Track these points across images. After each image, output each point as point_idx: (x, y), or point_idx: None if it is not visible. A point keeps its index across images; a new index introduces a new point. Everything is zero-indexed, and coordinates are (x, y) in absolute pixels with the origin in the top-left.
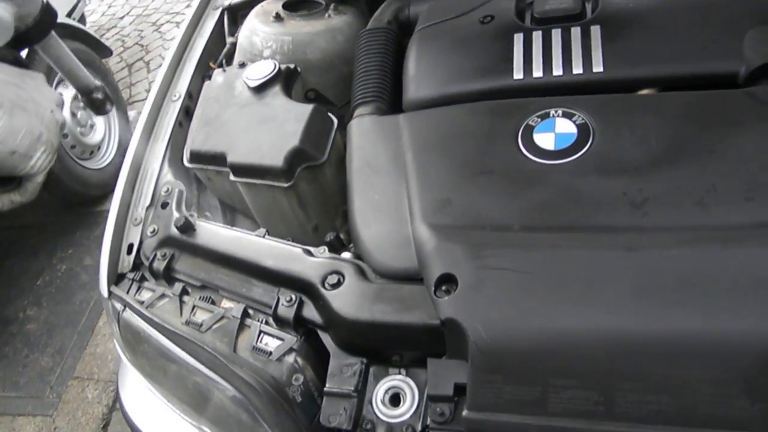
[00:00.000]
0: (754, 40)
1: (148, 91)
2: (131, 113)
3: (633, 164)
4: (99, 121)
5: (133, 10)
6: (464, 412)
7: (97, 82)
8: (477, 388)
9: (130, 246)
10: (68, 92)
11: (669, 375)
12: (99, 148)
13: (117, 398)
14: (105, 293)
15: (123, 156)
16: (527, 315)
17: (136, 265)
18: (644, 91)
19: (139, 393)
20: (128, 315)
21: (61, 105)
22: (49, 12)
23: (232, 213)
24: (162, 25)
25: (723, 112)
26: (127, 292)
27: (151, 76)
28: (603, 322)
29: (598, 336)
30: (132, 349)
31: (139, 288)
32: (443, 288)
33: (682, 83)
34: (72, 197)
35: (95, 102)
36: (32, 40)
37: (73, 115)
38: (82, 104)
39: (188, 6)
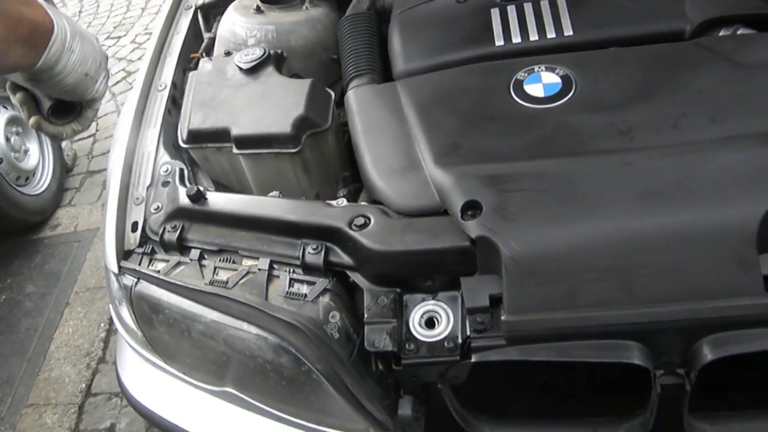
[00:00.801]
0: (693, 3)
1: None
2: (64, 143)
3: (614, 102)
4: (33, 146)
5: None
6: (503, 317)
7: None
8: (513, 293)
9: (135, 224)
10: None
11: (676, 259)
12: (34, 173)
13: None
14: (114, 269)
15: (59, 182)
16: (550, 223)
17: (143, 242)
18: (611, 49)
19: (147, 376)
20: (142, 287)
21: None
22: None
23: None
24: None
25: (680, 59)
26: (139, 266)
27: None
28: (616, 222)
29: (613, 234)
30: (148, 322)
31: (151, 260)
32: (469, 213)
33: (640, 41)
34: (9, 224)
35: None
36: None
37: (7, 140)
38: (14, 130)
39: (108, 38)
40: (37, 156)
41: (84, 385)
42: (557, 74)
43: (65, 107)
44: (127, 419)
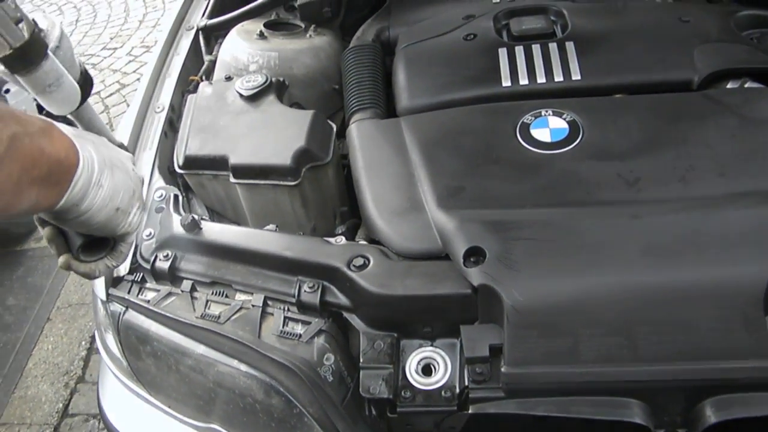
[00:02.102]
0: (702, 54)
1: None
2: None
3: (621, 151)
4: None
5: None
6: (503, 368)
7: (122, 143)
8: (514, 344)
9: None
10: None
11: (681, 317)
12: None
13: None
14: (102, 296)
15: None
16: (555, 274)
17: (134, 269)
18: (618, 96)
19: (128, 404)
20: (130, 316)
21: (134, 163)
22: (88, 76)
23: (221, 221)
24: None
25: (688, 110)
26: (128, 294)
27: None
28: (621, 277)
29: (618, 288)
30: (135, 352)
31: (140, 289)
32: (471, 260)
33: (648, 89)
34: None
35: None
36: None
37: None
38: None
39: (103, 48)
40: None
41: (61, 405)
42: (564, 119)
43: (97, 241)
44: None
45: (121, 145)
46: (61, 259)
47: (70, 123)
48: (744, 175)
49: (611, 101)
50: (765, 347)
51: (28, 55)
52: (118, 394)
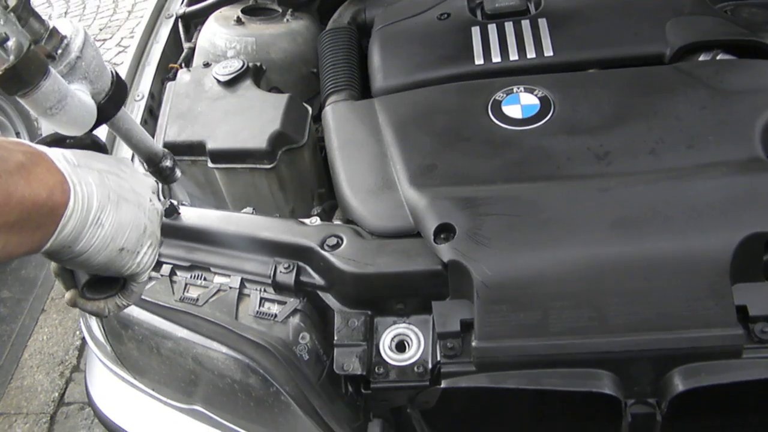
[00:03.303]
0: (674, 27)
1: None
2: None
3: (591, 126)
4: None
5: None
6: (474, 342)
7: (164, 149)
8: (484, 318)
9: None
10: None
11: (649, 288)
12: None
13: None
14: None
15: None
16: (524, 249)
17: None
18: (590, 71)
19: (115, 390)
20: None
21: (156, 192)
22: (120, 84)
23: (201, 207)
24: None
25: (659, 83)
26: None
27: None
28: (589, 249)
29: (586, 261)
30: (117, 337)
31: None
32: (442, 236)
33: (620, 63)
34: None
35: (164, 171)
36: (106, 118)
37: None
38: None
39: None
40: None
41: (57, 395)
42: (536, 95)
43: (106, 278)
44: (99, 430)
45: (165, 155)
46: (67, 296)
47: (94, 144)
48: (712, 146)
49: (583, 76)
50: (731, 316)
51: (21, 76)
52: (105, 380)
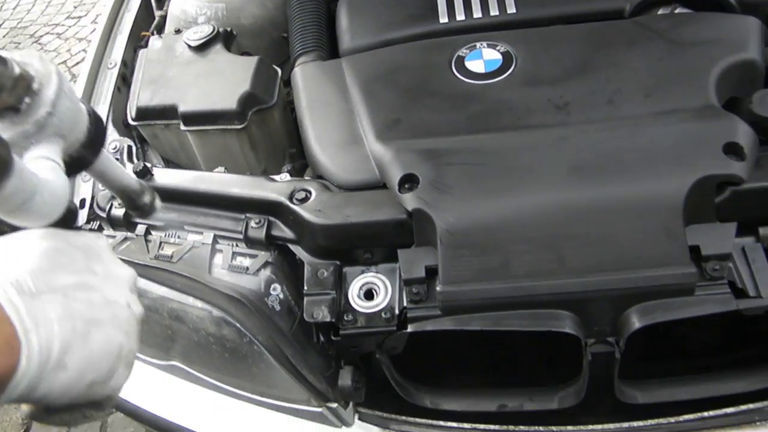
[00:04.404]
0: None
1: None
2: None
3: (552, 78)
4: None
5: (6, 22)
6: (438, 287)
7: (142, 182)
8: (448, 264)
9: (82, 201)
10: None
11: (606, 230)
12: None
13: None
14: None
15: None
16: (485, 196)
17: (91, 219)
18: (551, 27)
19: None
20: None
21: (135, 288)
22: (97, 124)
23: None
24: (41, 37)
25: (618, 36)
26: None
27: None
28: (548, 195)
29: (546, 206)
30: None
31: None
32: (406, 186)
33: (581, 19)
34: None
35: (143, 207)
36: (80, 169)
37: None
38: None
39: (68, 17)
40: None
41: None
42: (498, 51)
43: None
44: None
45: (144, 191)
46: (25, 408)
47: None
48: (668, 95)
49: (545, 32)
50: (684, 255)
51: None
52: None
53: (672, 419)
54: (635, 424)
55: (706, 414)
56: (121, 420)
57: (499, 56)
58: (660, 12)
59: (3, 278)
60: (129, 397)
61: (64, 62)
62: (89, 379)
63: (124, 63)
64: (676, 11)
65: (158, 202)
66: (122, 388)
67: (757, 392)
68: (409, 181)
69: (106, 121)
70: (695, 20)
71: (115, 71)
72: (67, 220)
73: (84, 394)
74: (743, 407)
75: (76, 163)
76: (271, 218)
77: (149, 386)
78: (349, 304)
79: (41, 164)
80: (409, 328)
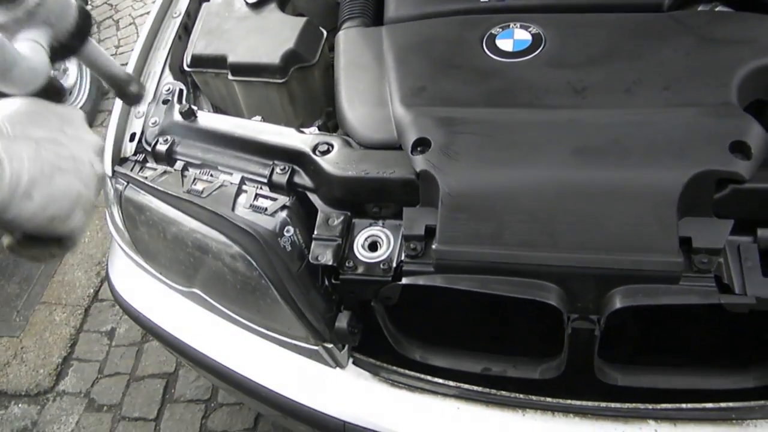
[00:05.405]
0: None
1: (117, 46)
2: None
3: (576, 63)
4: (72, 65)
5: None
6: (434, 245)
7: (129, 73)
8: (445, 225)
9: (132, 135)
10: None
11: (600, 211)
12: (71, 92)
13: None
14: (109, 172)
15: (94, 104)
16: (489, 165)
17: (138, 152)
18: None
19: (130, 273)
20: (130, 192)
21: (101, 152)
22: (84, 18)
23: None
24: None
25: (650, 29)
26: (131, 171)
27: (121, 34)
28: (548, 171)
29: (544, 181)
30: (132, 221)
31: (141, 168)
32: (418, 149)
33: (620, 9)
34: None
35: (130, 96)
36: (67, 55)
37: None
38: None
39: None
40: (75, 76)
41: (92, 291)
42: (529, 32)
43: None
44: (127, 325)
45: (131, 80)
46: (5, 242)
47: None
48: (688, 90)
49: (579, 18)
50: (672, 244)
51: None
52: (122, 264)
53: (650, 406)
54: (612, 405)
55: (683, 406)
56: (156, 348)
57: (529, 37)
58: (700, 9)
59: None
60: (158, 320)
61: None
62: (50, 213)
63: (187, 13)
64: (717, 9)
65: (143, 95)
66: (81, 231)
67: (738, 391)
68: (422, 145)
69: (164, 65)
70: (732, 19)
71: (178, 20)
72: (50, 95)
73: (47, 227)
74: (722, 404)
75: (64, 48)
76: (295, 167)
77: (172, 309)
78: (353, 252)
79: (25, 44)
80: (403, 281)
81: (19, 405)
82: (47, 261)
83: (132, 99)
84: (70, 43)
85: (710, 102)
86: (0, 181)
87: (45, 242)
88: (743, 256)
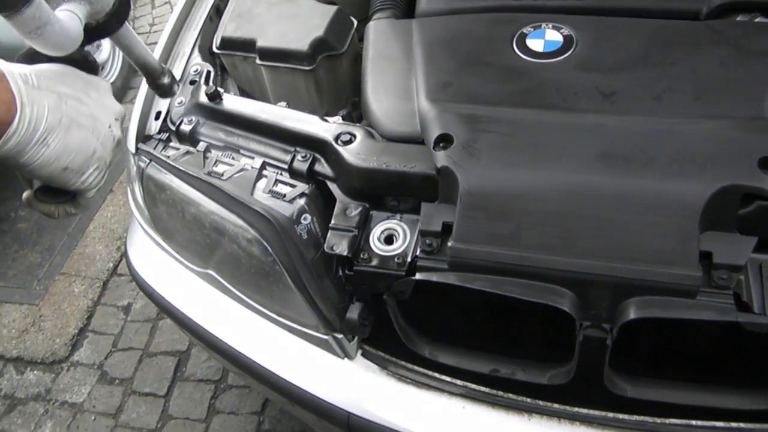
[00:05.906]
0: None
1: (151, 24)
2: None
3: (606, 67)
4: (105, 42)
5: None
6: (450, 243)
7: (163, 65)
8: (462, 223)
9: (158, 113)
10: None
11: (621, 219)
12: (103, 67)
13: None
14: (132, 149)
15: (125, 80)
16: (510, 165)
17: (162, 130)
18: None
19: (147, 250)
20: (152, 170)
21: (121, 118)
22: (123, 3)
23: None
24: None
25: (684, 37)
26: (153, 149)
27: (156, 12)
28: (570, 175)
29: (565, 185)
30: (152, 199)
31: (165, 147)
32: (441, 145)
33: (656, 15)
34: None
35: (161, 87)
36: (103, 35)
37: None
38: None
39: None
40: (108, 51)
41: (111, 265)
42: (561, 33)
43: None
44: (143, 302)
45: (164, 72)
46: (24, 195)
47: (85, 60)
48: (719, 101)
49: (613, 21)
50: (692, 257)
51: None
52: (140, 241)
53: (658, 419)
54: (620, 416)
55: (693, 422)
56: (170, 326)
57: (560, 38)
58: (739, 19)
59: (16, 70)
60: (171, 299)
61: None
62: (64, 164)
63: None
64: (756, 20)
65: (176, 88)
66: (94, 189)
67: (750, 412)
68: (444, 141)
69: (193, 46)
70: None
71: (211, 1)
72: (83, 68)
73: (60, 177)
74: (733, 424)
75: (101, 27)
76: (317, 155)
77: (186, 290)
78: (369, 244)
79: (63, 13)
80: (417, 276)
81: (35, 372)
82: (61, 218)
83: (163, 91)
84: (108, 22)
85: (741, 115)
86: (20, 122)
87: (60, 197)
88: (765, 275)
